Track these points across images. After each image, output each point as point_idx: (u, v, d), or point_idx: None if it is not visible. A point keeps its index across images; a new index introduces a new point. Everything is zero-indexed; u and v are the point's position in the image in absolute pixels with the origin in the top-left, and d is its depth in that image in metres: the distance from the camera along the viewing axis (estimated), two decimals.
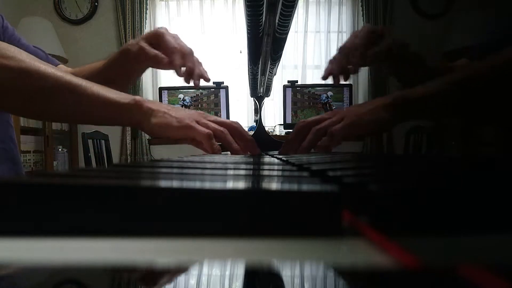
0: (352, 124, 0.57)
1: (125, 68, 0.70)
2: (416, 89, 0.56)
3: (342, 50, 0.72)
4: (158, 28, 0.70)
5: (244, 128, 0.61)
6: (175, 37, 0.69)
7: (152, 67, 0.73)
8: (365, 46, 0.69)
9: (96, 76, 0.67)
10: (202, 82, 0.68)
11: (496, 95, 0.53)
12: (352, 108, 0.60)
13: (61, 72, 0.53)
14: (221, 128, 0.57)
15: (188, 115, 0.56)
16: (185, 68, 0.67)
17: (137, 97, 0.55)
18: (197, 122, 0.55)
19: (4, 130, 0.76)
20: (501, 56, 0.52)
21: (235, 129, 0.59)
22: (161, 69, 0.72)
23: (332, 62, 0.73)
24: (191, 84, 0.67)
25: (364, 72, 2.76)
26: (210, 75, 0.69)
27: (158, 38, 0.68)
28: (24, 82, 0.50)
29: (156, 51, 0.66)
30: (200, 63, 0.69)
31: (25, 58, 0.51)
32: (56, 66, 0.73)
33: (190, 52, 0.69)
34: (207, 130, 0.54)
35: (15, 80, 0.50)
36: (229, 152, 0.60)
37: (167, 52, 0.67)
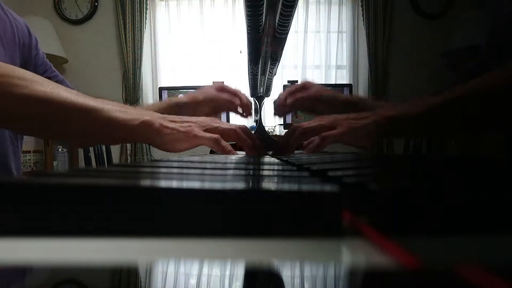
0: (344, 134, 0.59)
1: None
2: (410, 108, 0.58)
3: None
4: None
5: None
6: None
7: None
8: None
9: None
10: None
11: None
12: (345, 117, 0.61)
13: (75, 94, 0.53)
14: (232, 127, 0.61)
15: (196, 124, 0.59)
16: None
17: (146, 118, 0.56)
18: (207, 129, 0.59)
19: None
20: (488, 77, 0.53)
21: (244, 130, 0.63)
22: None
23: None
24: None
25: (364, 72, 2.76)
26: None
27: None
28: (39, 110, 0.51)
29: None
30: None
31: (39, 87, 0.50)
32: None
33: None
34: (214, 136, 0.58)
35: (30, 108, 0.50)
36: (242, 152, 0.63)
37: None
